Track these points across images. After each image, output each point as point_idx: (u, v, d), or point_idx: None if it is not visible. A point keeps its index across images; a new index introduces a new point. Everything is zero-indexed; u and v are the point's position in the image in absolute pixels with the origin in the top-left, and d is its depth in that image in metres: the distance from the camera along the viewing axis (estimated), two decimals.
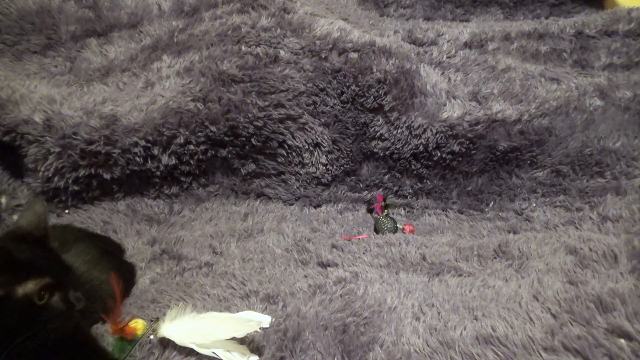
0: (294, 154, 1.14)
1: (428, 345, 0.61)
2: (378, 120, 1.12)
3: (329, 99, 1.12)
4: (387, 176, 1.16)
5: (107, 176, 1.05)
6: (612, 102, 1.12)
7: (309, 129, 1.13)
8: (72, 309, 0.55)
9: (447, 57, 1.21)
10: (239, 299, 0.75)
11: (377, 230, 1.07)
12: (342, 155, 1.15)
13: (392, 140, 1.12)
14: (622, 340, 0.53)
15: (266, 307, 0.73)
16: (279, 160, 1.15)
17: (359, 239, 0.99)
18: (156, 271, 0.87)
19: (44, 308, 0.53)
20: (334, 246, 0.94)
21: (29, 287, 0.52)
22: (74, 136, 1.02)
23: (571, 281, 0.64)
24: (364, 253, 0.91)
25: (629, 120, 1.10)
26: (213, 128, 1.08)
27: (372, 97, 1.11)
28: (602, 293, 0.59)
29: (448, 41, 1.25)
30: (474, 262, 0.85)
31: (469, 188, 1.12)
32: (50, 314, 0.53)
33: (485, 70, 1.19)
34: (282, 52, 1.13)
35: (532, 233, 0.94)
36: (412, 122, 1.09)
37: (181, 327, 0.64)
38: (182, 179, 1.13)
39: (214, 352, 0.61)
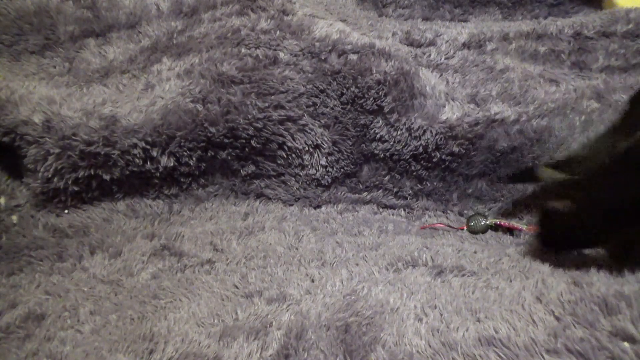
0: (293, 155, 1.14)
1: (430, 346, 0.62)
2: (378, 121, 1.12)
3: (329, 100, 1.12)
4: (387, 177, 1.16)
5: (106, 177, 1.06)
6: (609, 105, 1.12)
7: (309, 131, 1.13)
8: None
9: (446, 58, 1.21)
10: (242, 297, 0.76)
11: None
12: (342, 157, 1.15)
13: (392, 142, 1.12)
14: (626, 344, 0.53)
15: (270, 306, 0.73)
16: (278, 162, 1.15)
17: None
18: (157, 266, 0.87)
19: None
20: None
21: None
22: (73, 137, 1.02)
23: (576, 282, 0.64)
24: None
25: None
26: (212, 129, 1.08)
27: (371, 99, 1.11)
28: (608, 295, 0.58)
29: (446, 42, 1.24)
30: (478, 262, 0.85)
31: (470, 190, 1.13)
32: None
33: (483, 71, 1.19)
34: (281, 54, 1.13)
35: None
36: (412, 123, 1.09)
37: None
38: (182, 179, 1.13)
39: None
